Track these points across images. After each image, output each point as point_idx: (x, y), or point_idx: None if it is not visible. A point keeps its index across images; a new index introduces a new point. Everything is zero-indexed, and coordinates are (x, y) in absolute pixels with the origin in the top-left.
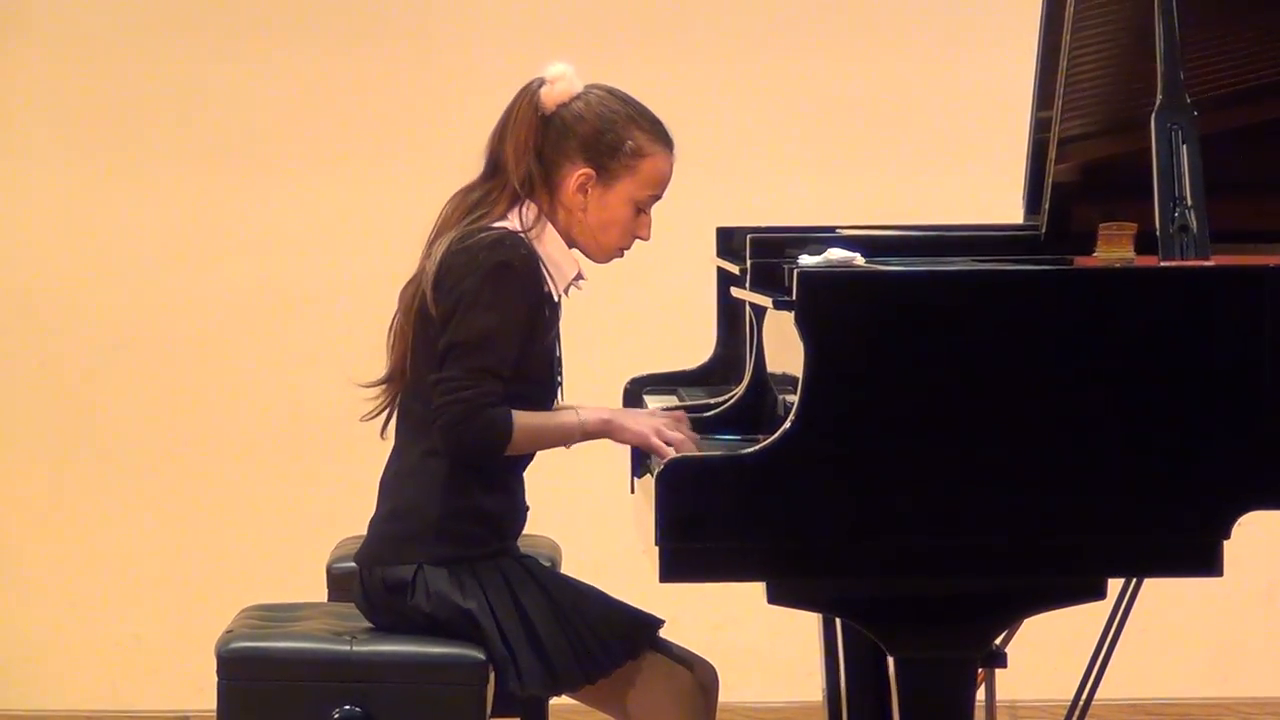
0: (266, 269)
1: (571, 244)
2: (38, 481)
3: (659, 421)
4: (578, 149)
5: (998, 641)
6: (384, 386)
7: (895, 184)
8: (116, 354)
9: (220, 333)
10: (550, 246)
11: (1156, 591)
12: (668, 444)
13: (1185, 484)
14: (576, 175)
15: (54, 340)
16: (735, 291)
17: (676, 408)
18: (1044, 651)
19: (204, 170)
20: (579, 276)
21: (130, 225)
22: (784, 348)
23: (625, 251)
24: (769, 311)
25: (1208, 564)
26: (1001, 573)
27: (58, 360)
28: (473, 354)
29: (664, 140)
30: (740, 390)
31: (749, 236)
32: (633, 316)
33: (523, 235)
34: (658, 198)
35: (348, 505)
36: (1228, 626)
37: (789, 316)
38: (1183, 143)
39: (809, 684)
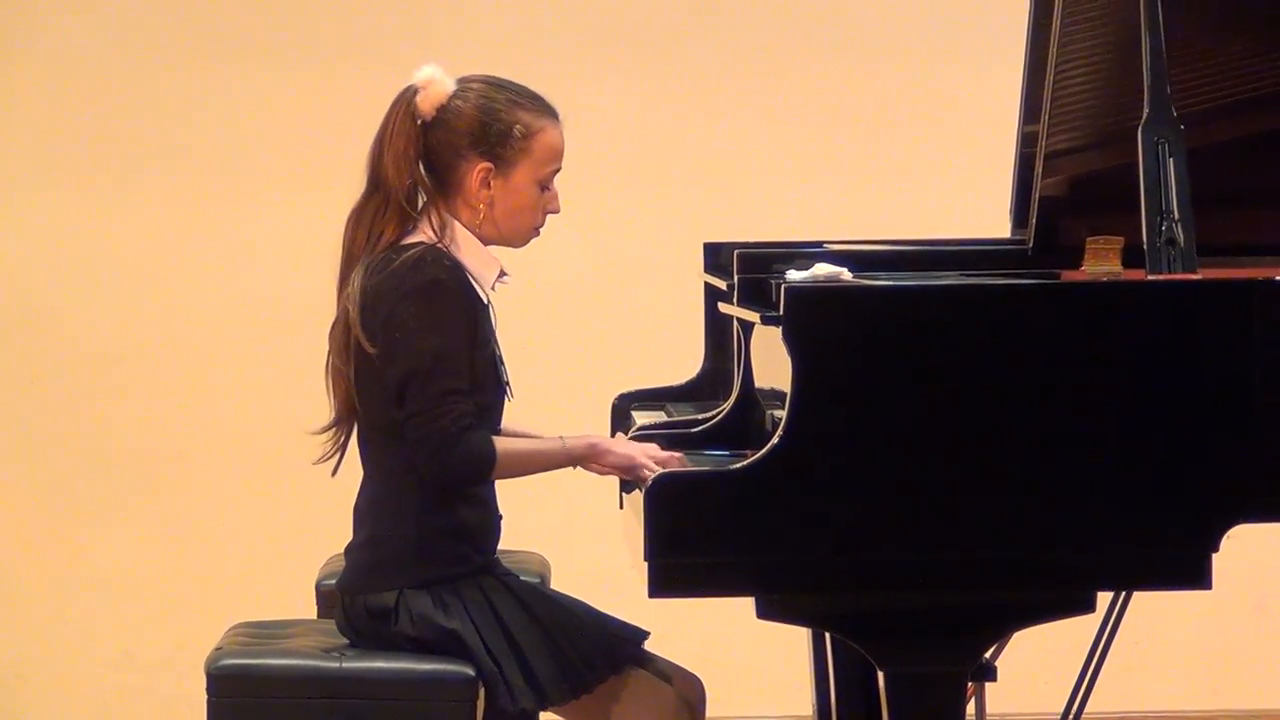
0: (256, 284)
1: (486, 241)
2: (27, 498)
3: (646, 445)
4: (469, 146)
5: (987, 655)
6: (334, 430)
7: (882, 199)
8: (106, 369)
9: (210, 348)
10: (467, 251)
11: (1146, 605)
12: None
13: (1174, 497)
14: (476, 172)
15: (43, 355)
16: (723, 307)
17: (665, 424)
18: (1034, 665)
19: (195, 185)
20: (502, 274)
21: (119, 240)
22: (772, 363)
23: (540, 230)
24: (756, 326)
25: (1197, 577)
26: (991, 587)
27: (47, 376)
28: (431, 380)
29: (549, 113)
30: (728, 406)
31: (736, 252)
32: (620, 332)
33: (441, 247)
34: (558, 170)
35: (337, 523)
36: (1217, 639)
37: (776, 331)
38: (1169, 156)
39: (799, 698)
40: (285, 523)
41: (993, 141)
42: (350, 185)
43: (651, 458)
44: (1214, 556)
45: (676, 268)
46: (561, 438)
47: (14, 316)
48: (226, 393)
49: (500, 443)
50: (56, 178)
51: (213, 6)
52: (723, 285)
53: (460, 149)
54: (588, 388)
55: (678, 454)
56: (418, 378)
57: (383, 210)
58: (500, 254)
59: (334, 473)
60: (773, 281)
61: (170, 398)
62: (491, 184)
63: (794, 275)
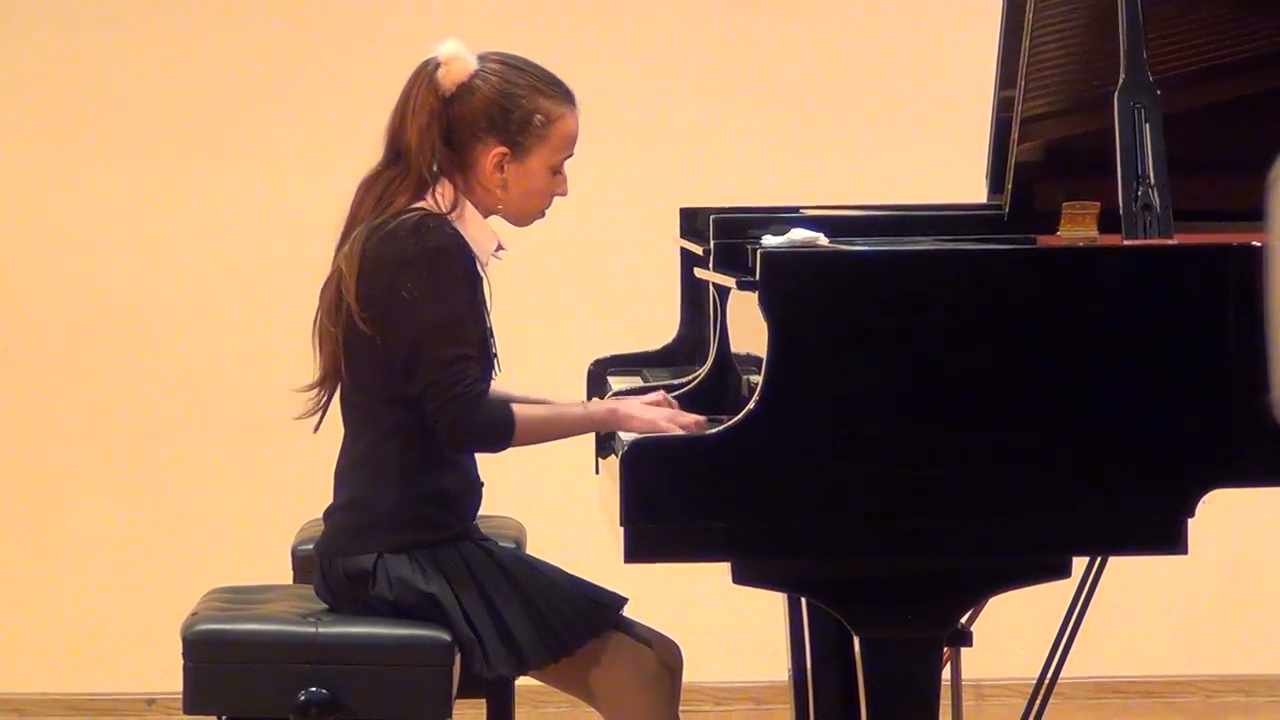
0: (230, 250)
1: (489, 214)
2: (1, 465)
3: (672, 411)
4: (487, 129)
5: (963, 620)
6: (317, 388)
7: (858, 164)
8: (78, 338)
9: (183, 316)
10: (471, 224)
11: (1121, 570)
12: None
13: (1149, 462)
14: (492, 155)
15: (12, 325)
16: (699, 272)
17: (640, 389)
18: (1009, 630)
19: (166, 155)
20: (499, 247)
21: (89, 206)
22: (747, 328)
23: (545, 212)
24: (732, 292)
25: (1172, 542)
26: (966, 552)
27: (17, 345)
28: (440, 347)
29: (568, 100)
30: (704, 371)
31: (712, 217)
32: (596, 298)
33: (443, 215)
34: (571, 155)
35: (312, 488)
36: (1192, 604)
37: (752, 297)
38: (1145, 121)
39: (775, 664)
40: (261, 488)
41: (969, 106)
42: (329, 150)
43: (678, 424)
44: (1189, 521)
45: (652, 233)
46: (583, 403)
47: None
48: (201, 359)
49: (519, 409)
50: (27, 145)
51: None
52: (698, 250)
53: (478, 130)
54: (563, 353)
55: (701, 417)
56: (426, 347)
57: (400, 179)
58: (497, 227)
59: (316, 429)
60: (748, 247)
61: (145, 364)
62: (506, 168)
63: (770, 240)
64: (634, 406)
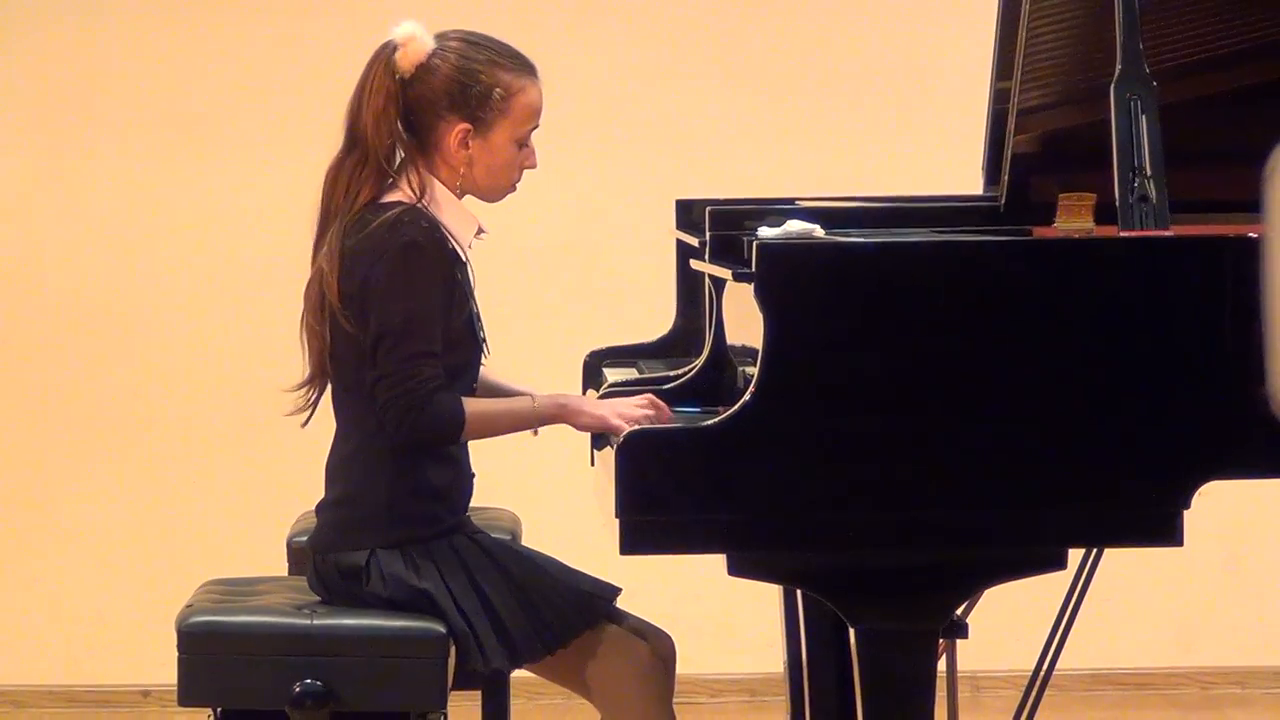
0: (221, 245)
1: (462, 195)
2: None
3: (619, 403)
4: (448, 107)
5: (959, 612)
6: (306, 387)
7: (854, 156)
8: (74, 330)
9: (176, 309)
10: (446, 210)
11: (1117, 562)
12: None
13: (1145, 454)
14: (455, 133)
15: (5, 319)
16: (695, 264)
17: (636, 381)
18: (1005, 622)
19: (157, 151)
20: (480, 230)
21: (86, 203)
22: (743, 320)
23: (517, 186)
24: (728, 283)
25: (1168, 534)
26: (962, 544)
27: (10, 339)
28: (402, 342)
29: (528, 71)
30: (700, 362)
31: (708, 209)
32: (592, 289)
33: (420, 206)
34: (536, 127)
35: (307, 480)
36: (1188, 596)
37: (748, 288)
38: (1142, 113)
39: (770, 655)
40: (256, 481)
41: (965, 98)
42: (319, 143)
43: (623, 416)
44: (1185, 513)
45: (648, 225)
46: (532, 398)
47: None
48: (196, 351)
49: (470, 404)
50: (15, 140)
51: None
52: (694, 242)
53: (439, 109)
54: (560, 344)
55: (645, 405)
56: (388, 340)
57: (360, 168)
58: (477, 210)
59: (304, 424)
60: (745, 238)
61: (139, 357)
62: (470, 144)
63: (766, 232)
64: (582, 403)
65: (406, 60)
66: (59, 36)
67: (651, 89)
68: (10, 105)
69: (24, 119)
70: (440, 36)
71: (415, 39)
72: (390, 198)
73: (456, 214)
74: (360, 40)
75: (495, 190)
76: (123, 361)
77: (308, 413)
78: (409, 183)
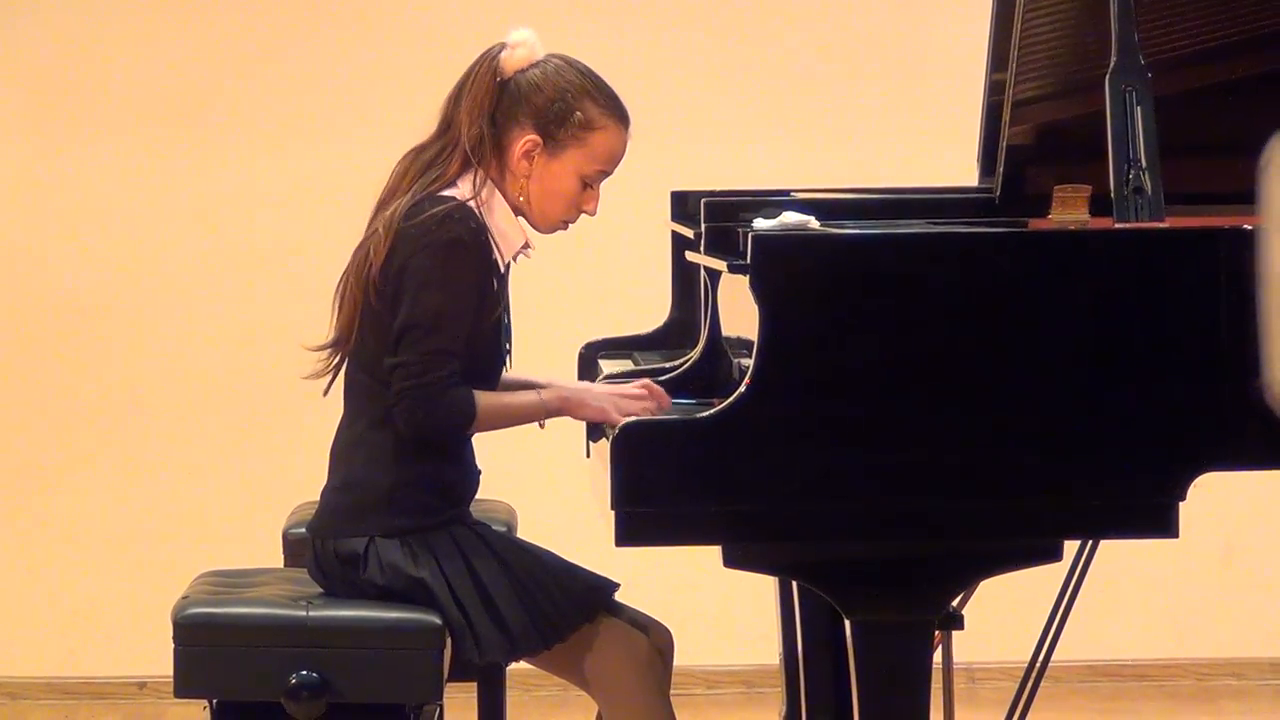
0: (217, 236)
1: (518, 212)
2: None
3: (619, 396)
4: (528, 115)
5: (954, 604)
6: (330, 350)
7: (849, 147)
8: (67, 320)
9: (172, 297)
10: (499, 216)
11: (1113, 553)
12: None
13: (1141, 446)
14: (523, 142)
15: (2, 305)
16: (690, 255)
17: (632, 373)
18: (1001, 614)
19: (155, 140)
20: (526, 246)
21: (81, 193)
22: (739, 311)
23: (570, 225)
24: (724, 275)
25: (1163, 526)
26: (957, 535)
27: (5, 331)
28: (428, 336)
29: (617, 115)
30: (695, 354)
31: (703, 200)
32: (588, 280)
33: (473, 207)
34: (607, 173)
35: (303, 470)
36: (1184, 588)
37: (744, 280)
38: (1137, 105)
39: (765, 647)
40: (251, 471)
41: (960, 89)
42: (317, 137)
43: (623, 411)
44: (1181, 505)
45: (643, 216)
46: (538, 391)
47: None
48: (191, 343)
49: (480, 397)
50: (12, 129)
51: None
52: (689, 234)
53: (520, 116)
54: (555, 335)
55: (644, 395)
56: (416, 331)
57: (447, 152)
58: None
59: (326, 391)
60: (740, 230)
61: (135, 348)
62: (534, 159)
63: (761, 223)
64: (585, 394)
65: (510, 62)
66: (55, 30)
67: (646, 80)
68: (5, 99)
69: (20, 108)
70: (552, 54)
71: (525, 44)
72: (450, 192)
73: (507, 224)
74: (360, 34)
75: (545, 218)
76: (118, 354)
77: (328, 378)
78: (474, 181)
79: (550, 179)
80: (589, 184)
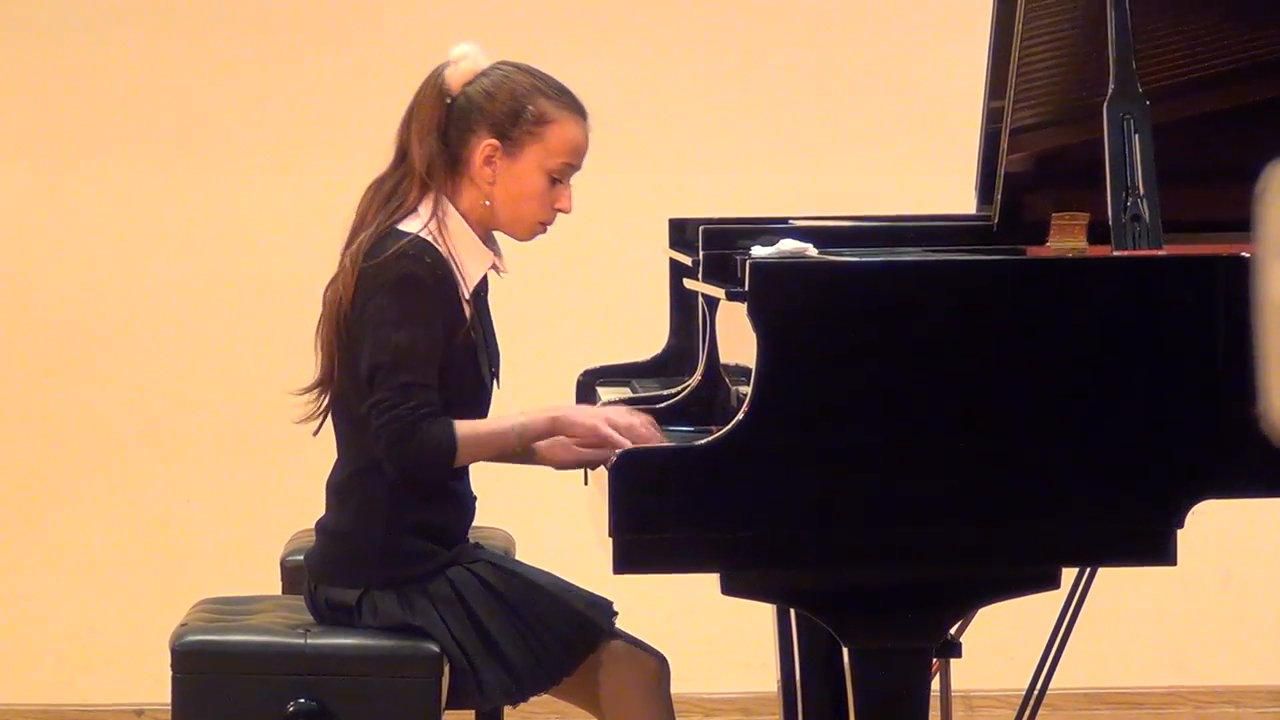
0: (219, 260)
1: (491, 226)
2: None
3: (609, 411)
4: (482, 123)
5: (952, 631)
6: (318, 390)
7: (847, 175)
8: (68, 347)
9: (172, 325)
10: (458, 239)
11: (1111, 581)
12: (621, 433)
13: (1139, 474)
14: (482, 148)
15: (3, 333)
16: (688, 283)
17: (630, 400)
18: (999, 641)
19: (157, 162)
20: (494, 265)
21: (83, 217)
22: (737, 339)
23: (548, 226)
24: (722, 302)
25: (1162, 553)
26: (955, 563)
27: (5, 351)
28: (394, 373)
29: (571, 107)
30: (693, 382)
31: (701, 228)
32: (585, 308)
33: (429, 239)
34: (574, 167)
35: (302, 498)
36: (1182, 615)
37: (742, 307)
38: (1135, 132)
39: (763, 674)
40: (250, 499)
41: (958, 117)
42: (316, 158)
43: (613, 424)
44: (1179, 532)
45: (641, 243)
46: (523, 412)
47: None
48: (190, 368)
49: (461, 427)
50: (14, 151)
51: None
52: (688, 261)
53: (472, 123)
54: (553, 363)
55: (645, 428)
56: (383, 370)
57: (406, 180)
58: (505, 249)
59: (316, 432)
60: (738, 257)
61: (133, 373)
62: (496, 163)
63: (759, 251)
64: (575, 412)
65: (454, 78)
66: (56, 50)
67: (645, 107)
68: (13, 116)
69: (27, 130)
70: (497, 62)
71: (467, 58)
72: (408, 225)
73: (470, 248)
74: (360, 54)
75: (520, 223)
76: (116, 377)
77: (318, 420)
78: (432, 205)
79: (514, 180)
80: (557, 179)
